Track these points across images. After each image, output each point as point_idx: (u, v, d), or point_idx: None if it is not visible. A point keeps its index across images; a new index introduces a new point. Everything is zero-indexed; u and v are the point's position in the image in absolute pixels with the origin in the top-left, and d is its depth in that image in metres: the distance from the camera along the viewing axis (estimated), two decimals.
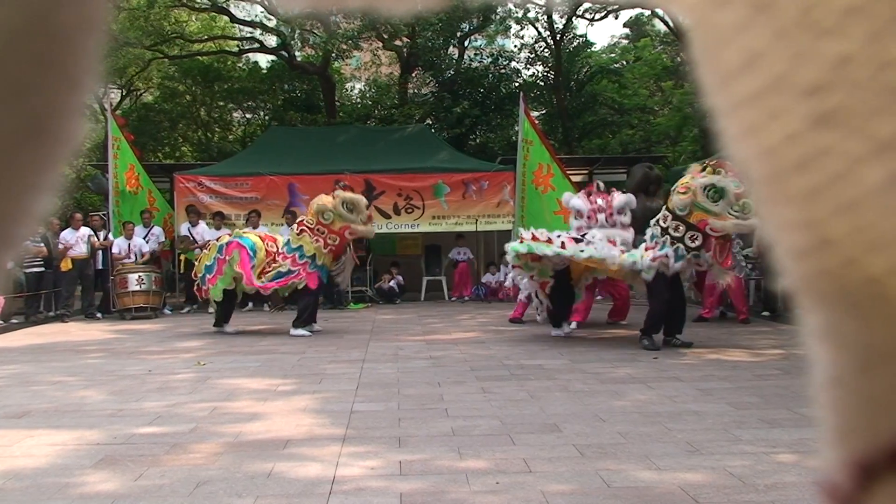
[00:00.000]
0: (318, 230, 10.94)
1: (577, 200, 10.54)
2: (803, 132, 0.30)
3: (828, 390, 0.33)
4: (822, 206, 0.30)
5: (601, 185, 10.79)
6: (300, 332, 11.33)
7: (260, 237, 11.56)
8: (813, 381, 0.34)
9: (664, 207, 9.14)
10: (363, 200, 11.15)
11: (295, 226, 11.52)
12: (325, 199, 10.95)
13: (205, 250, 11.95)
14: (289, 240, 11.30)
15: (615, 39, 34.64)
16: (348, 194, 11.02)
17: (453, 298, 17.04)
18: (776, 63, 0.29)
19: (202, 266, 11.56)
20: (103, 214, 15.26)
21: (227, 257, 11.15)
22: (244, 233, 11.81)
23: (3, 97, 0.31)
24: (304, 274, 11.05)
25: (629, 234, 9.97)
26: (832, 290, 0.31)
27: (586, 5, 23.85)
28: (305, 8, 0.38)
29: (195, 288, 12.07)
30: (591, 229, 10.01)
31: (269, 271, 11.25)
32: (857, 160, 0.29)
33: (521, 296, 12.53)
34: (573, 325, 10.83)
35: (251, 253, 11.18)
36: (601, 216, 10.09)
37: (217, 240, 11.98)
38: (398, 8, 0.36)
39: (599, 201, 10.13)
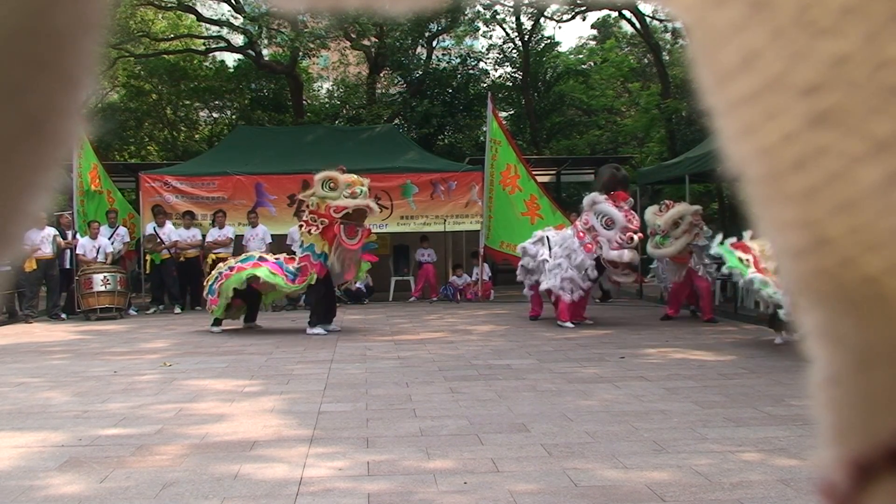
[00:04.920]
0: (311, 219, 11.01)
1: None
2: (800, 132, 0.30)
3: (825, 389, 0.34)
4: (819, 205, 0.30)
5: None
6: (317, 330, 11.38)
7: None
8: (811, 380, 0.34)
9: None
10: (343, 176, 11.00)
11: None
12: (313, 188, 11.12)
13: (208, 259, 11.87)
14: (301, 241, 11.41)
15: (582, 41, 34.81)
16: (326, 172, 11.01)
17: (412, 298, 16.96)
18: (773, 62, 0.30)
19: (214, 276, 11.56)
20: (69, 214, 15.04)
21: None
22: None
23: None
24: (311, 266, 11.11)
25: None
26: (830, 290, 0.31)
27: (554, 7, 23.94)
28: (305, 7, 0.38)
29: (205, 293, 11.88)
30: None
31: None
32: (855, 160, 0.29)
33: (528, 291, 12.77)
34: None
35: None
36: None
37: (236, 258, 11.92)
38: (396, 7, 0.36)
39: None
